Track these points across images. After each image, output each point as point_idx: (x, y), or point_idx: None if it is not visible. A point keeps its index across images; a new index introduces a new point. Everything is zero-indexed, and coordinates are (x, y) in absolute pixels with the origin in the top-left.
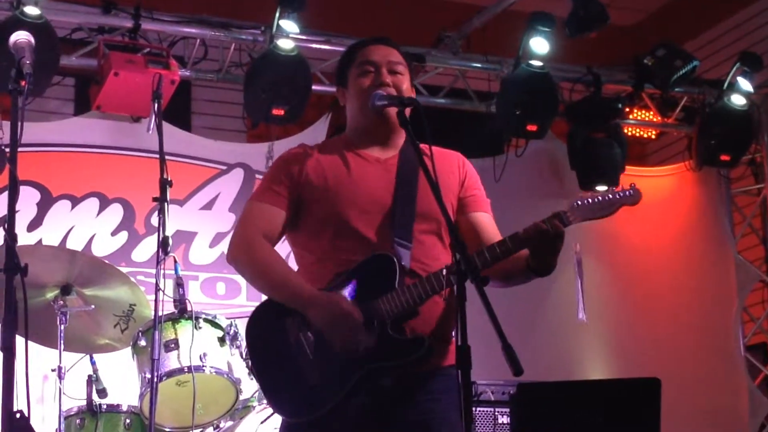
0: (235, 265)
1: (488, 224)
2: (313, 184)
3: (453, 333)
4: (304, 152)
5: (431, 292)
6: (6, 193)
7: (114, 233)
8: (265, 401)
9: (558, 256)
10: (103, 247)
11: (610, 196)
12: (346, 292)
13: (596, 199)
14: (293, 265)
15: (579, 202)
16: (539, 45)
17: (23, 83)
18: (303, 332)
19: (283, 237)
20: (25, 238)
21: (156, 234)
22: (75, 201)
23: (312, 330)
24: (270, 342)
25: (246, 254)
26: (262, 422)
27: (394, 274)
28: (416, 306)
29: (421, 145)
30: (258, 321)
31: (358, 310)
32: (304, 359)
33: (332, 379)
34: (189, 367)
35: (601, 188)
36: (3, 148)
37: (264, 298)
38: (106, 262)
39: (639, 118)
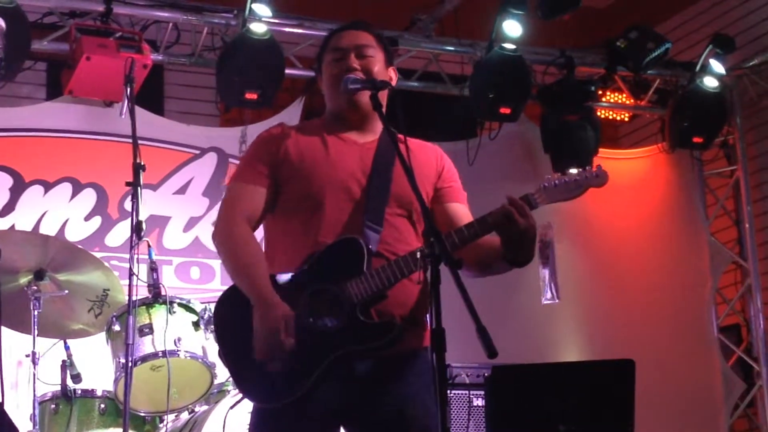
0: (217, 249)
1: (463, 214)
2: (291, 163)
3: (426, 316)
4: (283, 132)
5: (400, 276)
6: None
7: (87, 218)
8: None
9: (532, 246)
10: (76, 232)
11: (577, 177)
12: (313, 276)
13: (563, 181)
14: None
15: (546, 184)
16: (512, 28)
17: None
18: None
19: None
20: None
21: (129, 219)
22: (48, 186)
23: None
24: (238, 326)
25: (225, 238)
26: (231, 407)
27: (362, 257)
28: (385, 289)
29: (402, 136)
30: (226, 305)
31: (291, 331)
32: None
33: (302, 365)
34: (163, 352)
35: (574, 171)
36: None
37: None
38: (80, 247)
39: (612, 100)
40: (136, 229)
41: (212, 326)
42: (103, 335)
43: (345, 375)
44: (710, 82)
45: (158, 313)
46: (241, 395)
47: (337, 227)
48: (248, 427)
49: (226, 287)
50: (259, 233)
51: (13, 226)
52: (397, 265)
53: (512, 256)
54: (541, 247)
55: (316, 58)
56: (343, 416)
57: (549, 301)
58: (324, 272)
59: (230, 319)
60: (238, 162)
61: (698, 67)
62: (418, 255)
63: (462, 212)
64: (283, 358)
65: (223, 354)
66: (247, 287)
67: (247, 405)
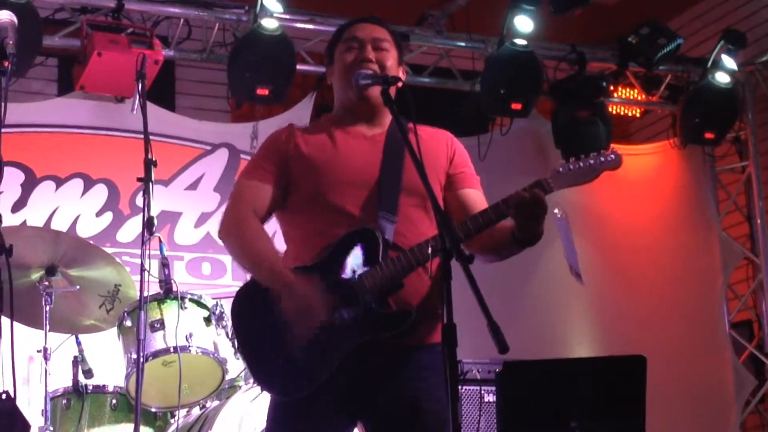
0: (225, 243)
1: (478, 200)
2: (301, 160)
3: (440, 310)
4: (292, 131)
5: (415, 265)
6: None
7: (99, 214)
8: (251, 380)
9: (542, 223)
10: (87, 228)
11: (592, 161)
12: (329, 268)
13: (578, 165)
14: (281, 244)
15: (561, 169)
16: (523, 23)
17: (6, 64)
18: None
19: (273, 215)
20: (9, 219)
21: (141, 214)
22: (59, 182)
23: None
24: (255, 321)
25: (235, 231)
26: (251, 401)
27: (378, 247)
28: (400, 279)
29: (412, 125)
30: (243, 300)
31: (324, 303)
32: (290, 337)
33: (319, 357)
34: (175, 348)
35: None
36: None
37: (249, 277)
38: (91, 242)
39: (623, 96)
40: (148, 225)
41: (224, 322)
42: (114, 331)
43: (361, 366)
44: (722, 78)
45: (170, 308)
46: (259, 389)
47: (351, 220)
48: (266, 418)
49: (237, 283)
50: (271, 228)
51: (24, 222)
52: (412, 254)
53: (524, 238)
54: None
55: (327, 50)
56: (360, 408)
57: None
58: (339, 263)
59: (247, 314)
60: (249, 158)
61: (710, 63)
62: (430, 249)
63: (476, 198)
64: (327, 324)
65: (240, 348)
66: (267, 277)
67: (265, 400)
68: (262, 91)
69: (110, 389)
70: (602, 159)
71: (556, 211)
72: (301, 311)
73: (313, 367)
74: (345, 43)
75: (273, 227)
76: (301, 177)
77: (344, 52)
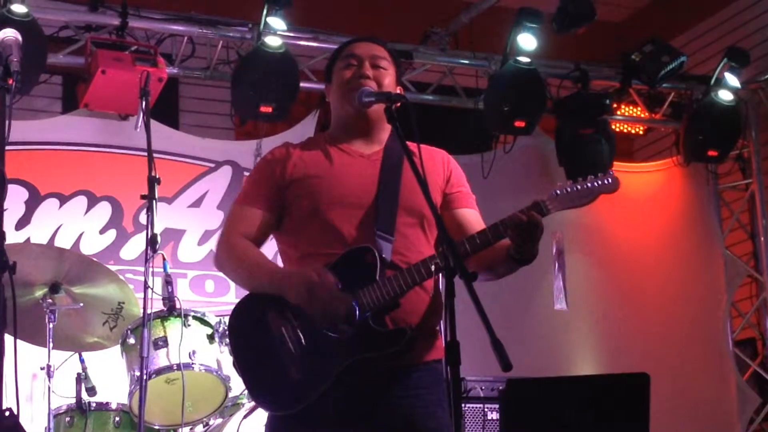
0: (220, 269)
1: (474, 220)
2: (296, 181)
3: (439, 327)
4: (286, 152)
5: (412, 284)
6: None
7: (102, 231)
8: None
9: (538, 244)
10: (91, 245)
11: (589, 184)
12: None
13: (575, 188)
14: (279, 264)
15: (558, 191)
16: (527, 41)
17: (11, 81)
18: (285, 326)
19: (268, 238)
20: (13, 237)
21: (144, 232)
22: (63, 199)
23: (294, 323)
24: (252, 336)
25: (227, 256)
26: (245, 417)
27: (375, 266)
28: (397, 297)
29: (409, 144)
30: (240, 315)
31: (331, 274)
32: (287, 353)
33: (315, 373)
34: (178, 365)
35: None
36: None
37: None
38: (95, 260)
39: (627, 113)
40: (151, 243)
41: (227, 339)
42: (117, 348)
43: (358, 383)
44: (725, 96)
45: (173, 326)
46: (254, 405)
47: (348, 240)
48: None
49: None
50: (271, 250)
51: (28, 239)
52: (410, 273)
53: (520, 254)
54: (557, 255)
55: (326, 68)
56: (355, 425)
57: (561, 308)
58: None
59: (244, 329)
60: None
61: (713, 81)
62: (433, 267)
63: (472, 217)
64: (341, 304)
65: (237, 363)
66: (265, 280)
67: (258, 416)
68: (266, 109)
69: (113, 407)
70: (599, 182)
71: (558, 238)
72: (313, 288)
73: (308, 383)
74: (343, 60)
75: (273, 248)
76: (297, 197)
77: (342, 69)
